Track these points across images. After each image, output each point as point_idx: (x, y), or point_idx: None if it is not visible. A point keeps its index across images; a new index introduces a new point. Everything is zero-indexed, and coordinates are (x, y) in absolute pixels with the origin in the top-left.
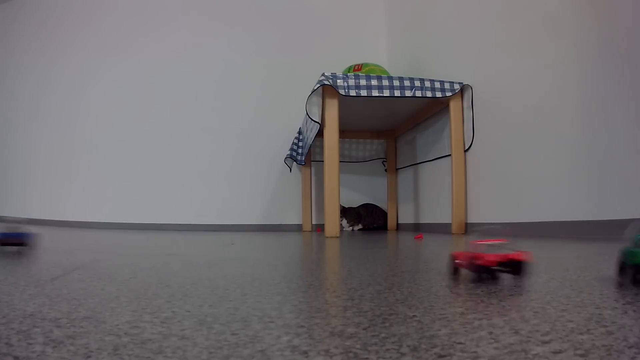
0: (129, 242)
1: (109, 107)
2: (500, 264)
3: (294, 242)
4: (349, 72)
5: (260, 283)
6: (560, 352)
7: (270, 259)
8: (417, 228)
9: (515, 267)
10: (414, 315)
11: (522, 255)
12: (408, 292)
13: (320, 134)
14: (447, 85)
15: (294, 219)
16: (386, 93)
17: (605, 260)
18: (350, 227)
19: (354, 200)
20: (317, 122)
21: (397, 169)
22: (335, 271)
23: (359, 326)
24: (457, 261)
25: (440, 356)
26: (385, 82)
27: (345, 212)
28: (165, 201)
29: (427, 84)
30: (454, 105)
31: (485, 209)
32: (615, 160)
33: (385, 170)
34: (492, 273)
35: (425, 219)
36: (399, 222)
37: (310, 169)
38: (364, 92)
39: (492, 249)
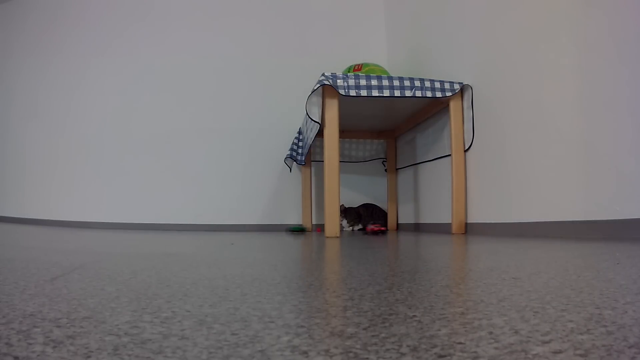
0: (128, 242)
1: (108, 107)
2: (375, 231)
3: (294, 242)
4: (349, 72)
5: (260, 283)
6: (560, 352)
7: (270, 259)
8: (417, 228)
9: (380, 232)
10: (414, 315)
11: (382, 227)
12: (408, 292)
13: (320, 134)
14: (447, 85)
15: (294, 219)
16: (386, 93)
17: (605, 260)
18: (350, 227)
19: (354, 200)
20: (317, 122)
21: (397, 169)
22: (335, 271)
23: (359, 326)
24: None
25: (440, 356)
26: (385, 82)
27: (345, 212)
28: (165, 201)
29: (427, 84)
30: (454, 105)
31: (485, 209)
32: (615, 160)
33: (385, 170)
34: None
35: (425, 219)
36: (399, 222)
37: (310, 169)
38: (364, 92)
39: (375, 226)
